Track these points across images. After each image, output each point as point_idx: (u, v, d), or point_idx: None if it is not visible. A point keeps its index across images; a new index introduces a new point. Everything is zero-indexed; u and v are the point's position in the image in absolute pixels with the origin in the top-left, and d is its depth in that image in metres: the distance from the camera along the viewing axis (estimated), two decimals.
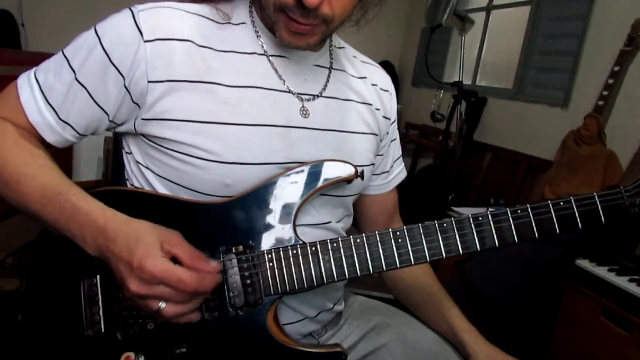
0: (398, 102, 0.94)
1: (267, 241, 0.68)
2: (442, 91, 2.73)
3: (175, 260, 0.59)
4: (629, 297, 1.50)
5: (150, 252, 0.57)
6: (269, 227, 0.68)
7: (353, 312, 0.90)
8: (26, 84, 0.68)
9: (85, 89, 0.66)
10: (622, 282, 1.53)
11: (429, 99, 2.94)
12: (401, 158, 0.95)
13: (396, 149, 0.93)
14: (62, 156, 2.69)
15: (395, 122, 0.91)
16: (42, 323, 0.68)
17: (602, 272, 1.61)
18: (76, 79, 0.66)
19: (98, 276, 0.66)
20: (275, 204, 0.68)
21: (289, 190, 0.69)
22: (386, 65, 4.36)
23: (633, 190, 0.68)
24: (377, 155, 0.87)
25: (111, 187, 0.70)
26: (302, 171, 0.70)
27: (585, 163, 2.16)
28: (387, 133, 0.89)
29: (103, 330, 0.65)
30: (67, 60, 0.67)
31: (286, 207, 0.69)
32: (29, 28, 3.17)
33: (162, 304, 0.58)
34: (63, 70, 0.67)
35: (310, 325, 0.79)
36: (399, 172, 0.95)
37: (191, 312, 0.61)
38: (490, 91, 3.35)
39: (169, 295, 0.58)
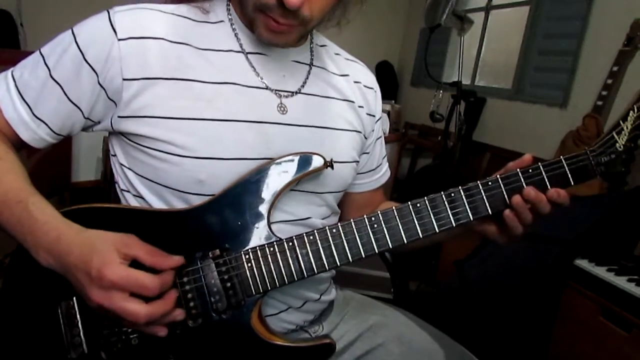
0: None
1: (243, 242, 0.67)
2: (441, 91, 2.72)
3: (135, 262, 0.59)
4: (628, 297, 1.49)
5: (107, 259, 0.57)
6: (243, 227, 0.68)
7: (350, 311, 0.90)
8: (2, 81, 0.69)
9: (60, 85, 0.67)
10: (621, 282, 1.53)
11: (428, 99, 2.94)
12: (386, 157, 0.96)
13: (382, 147, 0.94)
14: (61, 156, 2.67)
15: (381, 121, 0.91)
16: (22, 351, 0.66)
17: (601, 272, 1.60)
18: (51, 76, 0.67)
19: (75, 297, 0.65)
20: (247, 204, 0.68)
21: (258, 187, 0.68)
22: (385, 66, 4.36)
23: (598, 150, 0.69)
24: (363, 153, 0.87)
25: (79, 206, 0.69)
26: (268, 168, 0.69)
27: None
28: (373, 130, 0.89)
29: (86, 352, 0.64)
30: (43, 58, 0.68)
31: (258, 205, 0.68)
32: (28, 28, 3.17)
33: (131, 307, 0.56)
34: (38, 68, 0.68)
35: (297, 314, 0.78)
36: (386, 171, 0.96)
37: (166, 312, 0.60)
38: (489, 91, 3.35)
39: (133, 301, 0.56)
